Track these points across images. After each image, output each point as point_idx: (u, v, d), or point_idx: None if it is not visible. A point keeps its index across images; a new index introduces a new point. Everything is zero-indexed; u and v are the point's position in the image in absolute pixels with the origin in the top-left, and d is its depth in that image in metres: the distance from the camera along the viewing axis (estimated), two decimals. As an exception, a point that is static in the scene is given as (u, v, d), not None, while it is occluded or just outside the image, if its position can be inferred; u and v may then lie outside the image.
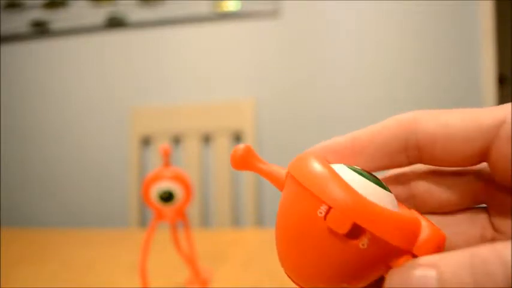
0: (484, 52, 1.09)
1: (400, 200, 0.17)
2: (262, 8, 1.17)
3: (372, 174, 0.15)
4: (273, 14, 1.18)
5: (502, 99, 1.35)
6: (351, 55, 1.15)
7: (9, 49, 1.34)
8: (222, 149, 1.06)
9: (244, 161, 0.17)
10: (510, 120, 0.14)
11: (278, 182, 0.16)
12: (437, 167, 0.17)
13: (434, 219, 0.17)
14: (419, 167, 0.17)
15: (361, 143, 0.16)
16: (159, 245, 0.46)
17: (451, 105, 1.11)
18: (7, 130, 1.35)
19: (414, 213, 0.15)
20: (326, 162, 0.14)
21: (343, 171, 0.14)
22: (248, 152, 0.17)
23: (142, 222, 1.08)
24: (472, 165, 0.15)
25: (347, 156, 0.17)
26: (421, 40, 1.12)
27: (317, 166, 0.14)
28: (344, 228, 0.12)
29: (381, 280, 0.14)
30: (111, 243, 0.63)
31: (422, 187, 0.17)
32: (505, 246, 0.11)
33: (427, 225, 0.13)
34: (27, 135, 1.34)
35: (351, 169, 0.14)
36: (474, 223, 0.17)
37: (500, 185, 0.15)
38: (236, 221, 1.10)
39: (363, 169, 0.15)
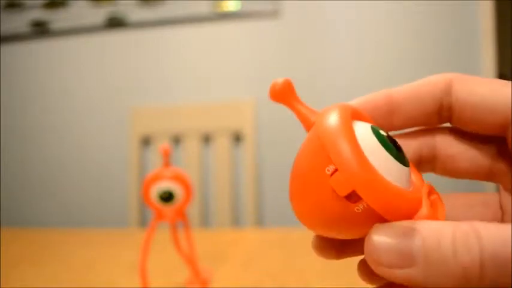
0: (484, 52, 1.09)
1: (422, 157, 0.18)
2: (262, 8, 1.17)
3: (394, 142, 0.15)
4: (273, 14, 1.18)
5: (502, 99, 1.34)
6: (351, 55, 1.15)
7: (9, 49, 1.34)
8: (222, 149, 1.06)
9: (282, 95, 0.17)
10: None
11: (306, 124, 0.17)
12: (463, 135, 0.17)
13: (449, 200, 0.17)
14: (446, 130, 0.18)
15: (398, 100, 0.17)
16: (159, 245, 0.46)
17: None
18: (7, 130, 1.35)
19: (421, 192, 0.15)
20: (350, 120, 0.14)
21: (364, 134, 0.14)
22: (287, 86, 0.17)
23: (143, 222, 1.08)
24: (496, 134, 0.16)
25: (383, 112, 0.17)
26: (421, 40, 1.12)
27: (338, 123, 0.14)
28: (343, 192, 0.13)
29: None
30: (111, 243, 0.63)
31: (446, 151, 0.17)
32: (482, 226, 0.11)
33: (426, 208, 0.14)
34: (27, 135, 1.34)
35: (375, 133, 0.14)
36: (487, 207, 0.17)
37: None
38: (236, 221, 1.10)
39: (388, 135, 0.15)
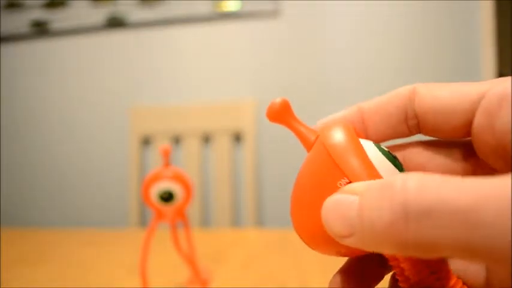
0: (484, 52, 1.09)
1: None
2: (262, 8, 1.18)
3: (394, 157, 0.15)
4: (273, 14, 1.18)
5: (502, 99, 1.34)
6: (351, 55, 1.15)
7: (9, 49, 1.34)
8: (222, 149, 1.06)
9: (280, 115, 0.17)
10: (490, 95, 0.14)
11: (306, 143, 0.17)
12: (431, 144, 0.17)
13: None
14: (415, 143, 0.18)
15: (368, 114, 0.17)
16: (159, 245, 0.46)
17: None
18: (7, 130, 1.35)
19: None
20: (355, 136, 0.15)
21: (370, 149, 0.15)
22: (285, 106, 0.17)
23: (142, 222, 1.08)
24: (461, 137, 0.16)
25: (358, 128, 0.17)
26: (421, 40, 1.12)
27: (347, 139, 0.14)
28: None
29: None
30: (111, 243, 0.63)
31: (416, 161, 0.17)
32: (411, 177, 0.11)
33: None
34: (27, 135, 1.34)
35: (378, 148, 0.15)
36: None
37: (485, 163, 0.16)
38: (236, 221, 1.10)
39: (389, 150, 0.15)
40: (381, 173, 0.13)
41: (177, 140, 1.11)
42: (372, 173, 0.13)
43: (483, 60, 1.09)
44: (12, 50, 1.33)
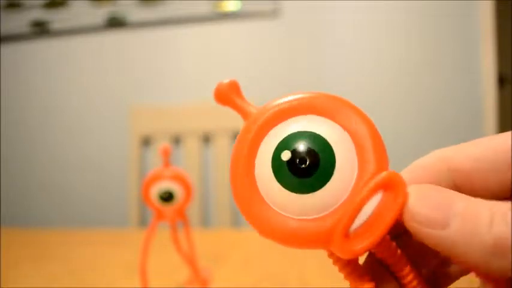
0: (484, 52, 1.09)
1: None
2: (262, 8, 1.17)
3: (297, 166, 0.13)
4: (273, 14, 1.18)
5: (502, 99, 1.35)
6: (350, 55, 1.15)
7: (9, 49, 1.34)
8: (222, 149, 1.06)
9: (226, 97, 0.16)
10: None
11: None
12: None
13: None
14: None
15: None
16: (159, 245, 0.45)
17: (451, 105, 1.11)
18: (7, 130, 1.35)
19: (337, 216, 0.13)
20: (257, 144, 0.14)
21: (263, 162, 0.13)
22: (232, 87, 0.16)
23: (142, 222, 1.08)
24: (505, 194, 0.15)
25: None
26: (422, 40, 1.12)
27: (242, 148, 0.14)
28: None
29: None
30: (111, 243, 0.63)
31: None
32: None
33: (338, 238, 0.12)
34: (27, 135, 1.34)
35: (274, 158, 0.13)
36: None
37: None
38: (236, 221, 1.10)
39: (295, 155, 0.13)
40: (265, 193, 0.13)
41: (177, 140, 1.11)
42: (248, 201, 0.13)
43: (483, 60, 1.09)
44: (12, 50, 1.33)
